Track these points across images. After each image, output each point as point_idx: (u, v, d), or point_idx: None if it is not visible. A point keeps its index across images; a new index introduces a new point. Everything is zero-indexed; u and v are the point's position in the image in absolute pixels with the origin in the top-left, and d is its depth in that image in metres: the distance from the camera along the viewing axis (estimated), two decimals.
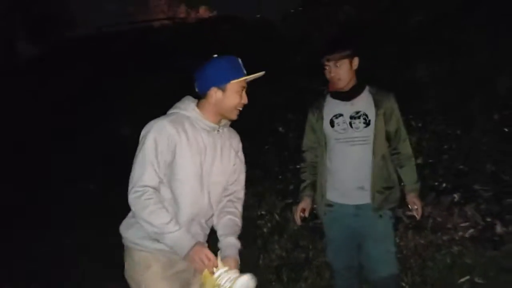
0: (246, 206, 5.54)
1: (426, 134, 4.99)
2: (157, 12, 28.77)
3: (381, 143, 2.99)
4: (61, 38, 19.19)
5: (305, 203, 3.23)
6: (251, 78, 2.33)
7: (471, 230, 4.25)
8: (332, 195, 3.10)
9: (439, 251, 4.15)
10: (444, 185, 4.49)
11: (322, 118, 3.06)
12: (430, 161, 4.69)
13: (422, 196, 3.22)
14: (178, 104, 2.40)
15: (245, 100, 2.36)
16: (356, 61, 2.95)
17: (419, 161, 4.59)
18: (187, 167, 2.28)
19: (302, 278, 4.39)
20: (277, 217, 5.29)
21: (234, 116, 2.38)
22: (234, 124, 2.56)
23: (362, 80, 3.02)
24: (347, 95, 2.98)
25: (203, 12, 28.08)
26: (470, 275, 3.83)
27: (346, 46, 2.97)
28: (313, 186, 3.23)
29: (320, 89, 5.63)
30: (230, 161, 2.46)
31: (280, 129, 6.62)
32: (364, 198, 3.01)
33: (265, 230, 5.22)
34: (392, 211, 3.11)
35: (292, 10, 10.78)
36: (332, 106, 3.06)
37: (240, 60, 2.34)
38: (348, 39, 3.20)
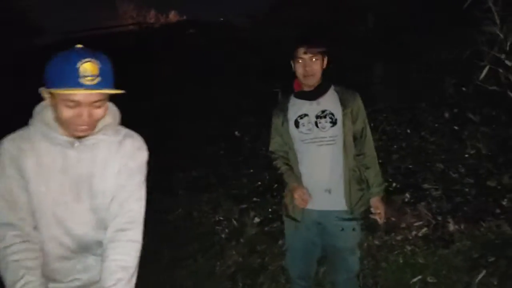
0: (203, 212, 5.52)
1: (376, 134, 4.94)
2: (126, 17, 28.44)
3: (351, 143, 2.87)
4: (26, 45, 18.75)
5: (299, 187, 2.90)
6: (81, 94, 1.67)
7: (424, 229, 4.22)
8: None
9: (392, 252, 4.08)
10: (394, 184, 4.45)
11: (287, 120, 2.92)
12: (380, 161, 4.63)
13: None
14: (35, 109, 1.84)
15: (82, 119, 1.72)
16: (326, 60, 2.84)
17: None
18: (40, 196, 1.78)
19: (257, 284, 4.30)
20: (234, 222, 5.19)
21: (74, 132, 1.76)
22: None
23: (327, 79, 2.90)
24: (312, 94, 2.86)
25: (173, 17, 27.88)
26: (422, 274, 3.76)
27: (323, 42, 2.86)
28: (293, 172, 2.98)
29: (276, 91, 5.61)
30: (105, 182, 1.86)
31: (236, 133, 6.53)
32: (329, 203, 2.86)
33: (222, 236, 5.12)
34: (362, 215, 2.97)
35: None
36: (297, 107, 2.92)
37: (87, 65, 1.65)
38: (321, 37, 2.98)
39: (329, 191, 2.84)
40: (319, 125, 2.82)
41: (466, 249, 3.78)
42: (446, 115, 5.01)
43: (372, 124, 5.06)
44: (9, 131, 1.86)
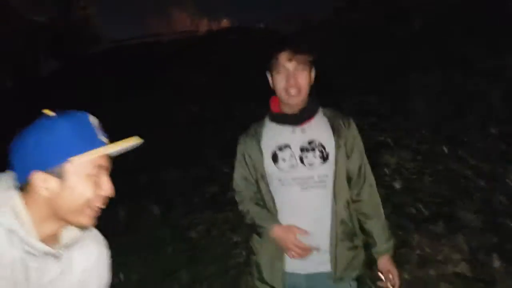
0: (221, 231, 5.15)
1: (409, 153, 4.34)
2: (179, 25, 28.69)
3: (343, 185, 2.12)
4: (80, 53, 19.40)
5: (283, 228, 2.11)
6: (116, 151, 1.31)
7: (462, 264, 3.61)
8: (280, 264, 2.17)
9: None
10: (426, 213, 3.82)
11: (260, 151, 2.14)
12: (410, 186, 4.03)
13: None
14: None
15: (107, 189, 1.33)
16: (313, 73, 2.11)
17: (398, 185, 3.97)
18: None
19: None
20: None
21: (86, 221, 1.30)
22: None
23: (315, 99, 2.15)
24: (296, 118, 2.10)
25: (225, 24, 27.83)
26: None
27: (312, 49, 2.11)
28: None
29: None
30: None
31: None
32: (319, 263, 2.11)
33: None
34: (357, 282, 2.22)
35: None
36: (274, 134, 2.15)
37: (91, 120, 1.32)
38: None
39: (318, 249, 2.09)
40: (305, 160, 2.07)
41: None
42: (493, 131, 4.31)
43: (405, 142, 4.61)
44: None
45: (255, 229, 2.18)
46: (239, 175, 2.25)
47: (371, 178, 2.18)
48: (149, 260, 4.99)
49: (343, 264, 2.11)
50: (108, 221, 5.15)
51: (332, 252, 2.09)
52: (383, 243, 2.17)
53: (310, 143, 2.08)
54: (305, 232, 2.03)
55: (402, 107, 5.12)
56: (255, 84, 3.60)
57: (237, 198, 2.28)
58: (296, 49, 2.03)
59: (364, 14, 8.23)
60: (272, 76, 2.10)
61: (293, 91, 2.02)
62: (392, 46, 6.86)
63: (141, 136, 1.38)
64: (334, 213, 2.08)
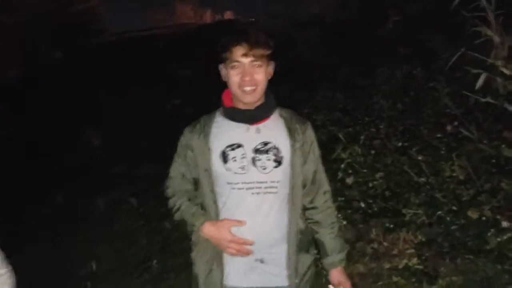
0: None
1: (364, 148, 4.41)
2: (184, 18, 28.70)
3: (300, 192, 1.96)
4: (82, 45, 19.36)
5: (215, 223, 1.90)
6: None
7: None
8: (219, 276, 1.94)
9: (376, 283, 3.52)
10: (375, 208, 3.89)
11: (208, 147, 1.91)
12: (361, 179, 4.10)
13: None
14: None
15: None
16: (271, 68, 1.93)
17: (350, 180, 4.05)
18: None
19: None
20: None
21: None
22: None
23: (272, 97, 1.98)
24: (251, 116, 1.90)
25: (228, 16, 27.85)
26: None
27: (270, 43, 1.91)
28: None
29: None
30: None
31: None
32: (272, 277, 1.93)
33: None
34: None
35: None
36: (226, 130, 1.93)
37: None
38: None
39: (261, 261, 1.91)
40: (257, 163, 1.87)
41: None
42: (449, 128, 4.35)
43: (362, 137, 4.67)
44: None
45: (184, 226, 1.97)
46: (176, 171, 2.03)
47: (326, 185, 2.05)
48: (122, 250, 5.10)
49: (301, 277, 1.96)
50: (85, 212, 5.32)
51: (290, 264, 1.92)
52: (336, 254, 2.02)
53: (264, 144, 1.89)
54: (240, 223, 1.85)
55: (365, 103, 5.19)
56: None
57: (168, 193, 2.04)
58: (253, 43, 1.81)
59: (348, 13, 8.27)
60: (225, 70, 1.89)
61: (248, 88, 1.83)
62: (371, 43, 6.90)
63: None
64: (290, 221, 1.92)
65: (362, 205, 3.93)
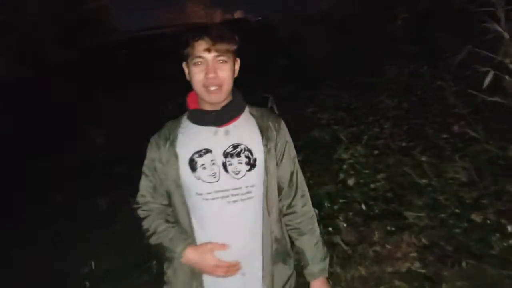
0: None
1: (367, 149, 4.30)
2: (194, 17, 28.70)
3: (275, 196, 1.80)
4: (92, 44, 19.47)
5: (196, 249, 1.73)
6: None
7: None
8: None
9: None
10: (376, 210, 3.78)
11: (175, 157, 1.73)
12: (363, 180, 3.99)
13: None
14: None
15: None
16: (238, 65, 1.78)
17: (351, 181, 3.94)
18: None
19: None
20: None
21: None
22: None
23: (239, 95, 1.82)
24: (218, 117, 1.73)
25: (238, 15, 27.79)
26: None
27: (235, 37, 1.75)
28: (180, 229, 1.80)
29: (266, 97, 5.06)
30: None
31: None
32: None
33: None
34: None
35: None
36: (192, 136, 1.75)
37: None
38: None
39: (243, 274, 1.76)
40: (229, 168, 1.70)
41: None
42: (456, 128, 4.22)
43: (365, 137, 4.55)
44: None
45: (162, 252, 1.77)
46: (146, 184, 1.83)
47: (303, 187, 1.88)
48: (122, 251, 5.05)
49: (280, 287, 1.82)
50: (85, 212, 5.25)
51: (265, 276, 1.77)
52: (317, 263, 1.86)
53: (235, 147, 1.71)
54: (223, 246, 1.69)
55: (370, 101, 5.08)
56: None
57: (141, 213, 1.82)
58: (216, 37, 1.65)
59: (356, 10, 8.17)
60: (188, 67, 1.72)
61: (213, 87, 1.66)
62: (378, 41, 6.78)
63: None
64: (266, 229, 1.76)
65: (363, 207, 3.81)
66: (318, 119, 5.05)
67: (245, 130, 1.75)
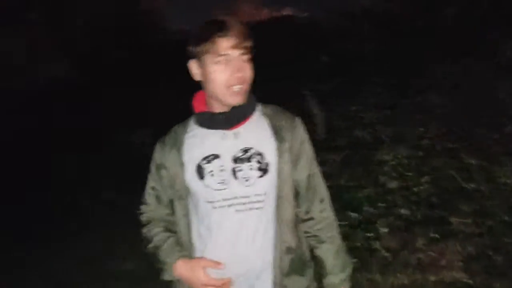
0: None
1: (412, 150, 4.08)
2: (242, 15, 28.61)
3: (289, 202, 1.64)
4: (145, 44, 19.81)
5: (187, 264, 1.59)
6: None
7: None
8: None
9: None
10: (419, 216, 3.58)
11: (181, 163, 1.62)
12: (405, 183, 3.78)
13: None
14: None
15: None
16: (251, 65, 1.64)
17: (394, 184, 3.75)
18: None
19: None
20: None
21: None
22: None
23: (249, 95, 1.63)
24: (227, 119, 1.59)
25: (286, 11, 27.50)
26: None
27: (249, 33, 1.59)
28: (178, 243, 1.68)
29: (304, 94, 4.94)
30: None
31: None
32: None
33: None
34: None
35: None
36: (199, 140, 1.62)
37: None
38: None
39: (253, 287, 1.62)
40: (238, 174, 1.57)
41: None
42: (508, 129, 3.95)
43: (410, 137, 4.32)
44: None
45: (156, 262, 1.64)
46: (151, 192, 1.71)
47: (322, 191, 1.72)
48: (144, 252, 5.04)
49: None
50: (119, 213, 5.18)
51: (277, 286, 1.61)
52: (337, 274, 1.70)
53: (245, 151, 1.58)
54: (218, 264, 1.55)
55: (416, 100, 4.84)
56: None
57: (143, 219, 1.72)
58: (242, 34, 1.50)
59: (402, 5, 7.86)
60: (202, 65, 1.55)
61: (237, 87, 1.51)
62: (425, 35, 6.49)
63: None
64: (278, 239, 1.61)
65: (405, 212, 3.61)
66: (361, 118, 4.85)
67: (256, 132, 1.61)
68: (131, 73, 13.78)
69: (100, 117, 10.05)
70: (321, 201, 1.69)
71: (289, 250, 1.62)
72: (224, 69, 1.49)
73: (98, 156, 8.01)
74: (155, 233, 1.66)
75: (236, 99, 1.52)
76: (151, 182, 1.70)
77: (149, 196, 1.71)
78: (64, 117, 9.99)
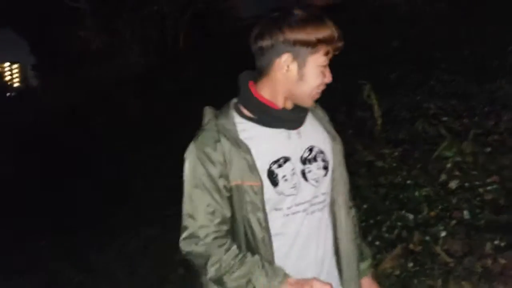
0: None
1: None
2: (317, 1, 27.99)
3: (343, 199, 1.56)
4: (218, 31, 19.95)
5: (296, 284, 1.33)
6: None
7: None
8: None
9: None
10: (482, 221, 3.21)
11: (254, 169, 1.41)
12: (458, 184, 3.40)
13: None
14: None
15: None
16: None
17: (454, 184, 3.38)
18: None
19: None
20: None
21: None
22: None
23: None
24: (294, 118, 1.46)
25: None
26: None
27: None
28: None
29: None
30: None
31: None
32: None
33: None
34: None
35: None
36: (261, 141, 1.41)
37: None
38: None
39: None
40: (308, 175, 1.44)
41: None
42: None
43: (476, 130, 3.87)
44: None
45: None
46: (204, 206, 1.37)
47: (348, 182, 1.64)
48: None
49: None
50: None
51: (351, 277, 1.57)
52: (367, 260, 1.71)
53: (310, 150, 1.47)
54: (325, 285, 1.31)
55: (489, 88, 4.36)
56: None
57: (200, 248, 1.36)
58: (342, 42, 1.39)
59: None
60: (303, 63, 1.36)
61: (320, 91, 1.44)
62: (506, 16, 5.85)
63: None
64: (343, 234, 1.56)
65: (468, 215, 3.25)
66: (426, 108, 4.46)
67: (311, 128, 1.52)
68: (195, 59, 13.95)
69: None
70: (349, 191, 1.62)
71: (353, 241, 1.58)
72: (320, 73, 1.39)
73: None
74: (244, 254, 1.36)
75: (312, 102, 1.47)
76: (200, 198, 1.38)
77: (203, 216, 1.37)
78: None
